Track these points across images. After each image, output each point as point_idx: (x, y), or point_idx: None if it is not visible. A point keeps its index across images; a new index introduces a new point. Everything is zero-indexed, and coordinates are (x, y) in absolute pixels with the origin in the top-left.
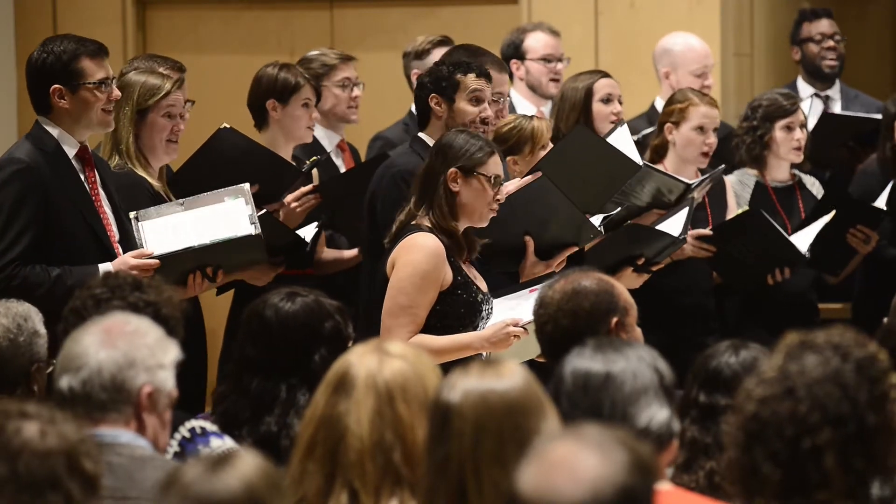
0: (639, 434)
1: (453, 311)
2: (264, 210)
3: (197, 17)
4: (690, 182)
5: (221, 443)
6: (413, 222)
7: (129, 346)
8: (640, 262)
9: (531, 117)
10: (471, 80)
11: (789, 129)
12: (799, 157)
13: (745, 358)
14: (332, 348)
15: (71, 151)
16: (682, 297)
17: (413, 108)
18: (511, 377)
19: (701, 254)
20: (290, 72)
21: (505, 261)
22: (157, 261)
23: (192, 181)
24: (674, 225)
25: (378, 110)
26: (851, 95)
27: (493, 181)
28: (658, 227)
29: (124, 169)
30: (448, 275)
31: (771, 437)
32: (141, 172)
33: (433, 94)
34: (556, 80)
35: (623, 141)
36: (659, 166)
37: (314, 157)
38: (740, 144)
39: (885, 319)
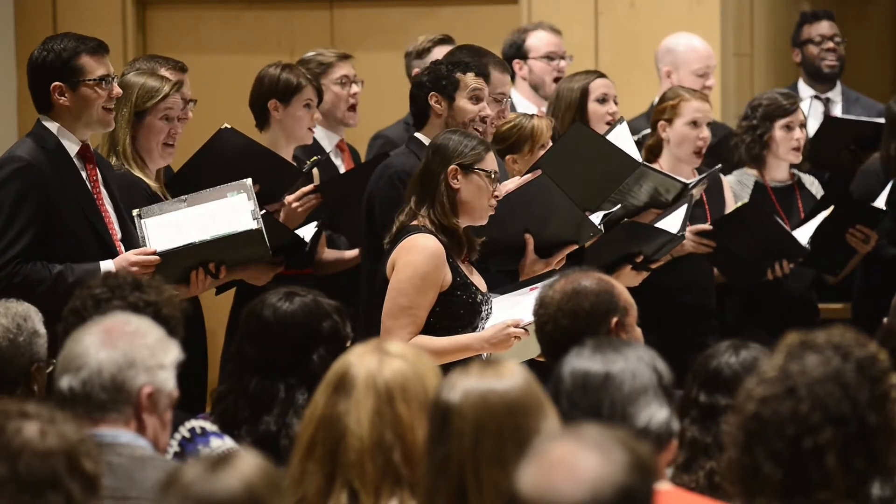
0: (638, 434)
1: (453, 311)
2: (264, 210)
3: (197, 17)
4: (688, 181)
5: (221, 443)
6: (413, 222)
7: (129, 346)
8: (639, 259)
9: (531, 116)
10: (470, 79)
11: (789, 128)
12: (798, 157)
13: (745, 358)
14: (330, 348)
15: (72, 149)
16: (683, 296)
17: None
18: (511, 377)
19: (701, 249)
20: (292, 72)
21: (504, 259)
22: (157, 257)
23: (193, 181)
24: (672, 222)
25: (378, 110)
26: (852, 98)
27: (492, 177)
28: (656, 225)
29: (121, 170)
30: (447, 276)
31: (772, 437)
32: (138, 173)
33: (433, 93)
34: (559, 79)
35: (622, 138)
36: (654, 166)
37: (315, 157)
38: (739, 144)
39: (885, 319)
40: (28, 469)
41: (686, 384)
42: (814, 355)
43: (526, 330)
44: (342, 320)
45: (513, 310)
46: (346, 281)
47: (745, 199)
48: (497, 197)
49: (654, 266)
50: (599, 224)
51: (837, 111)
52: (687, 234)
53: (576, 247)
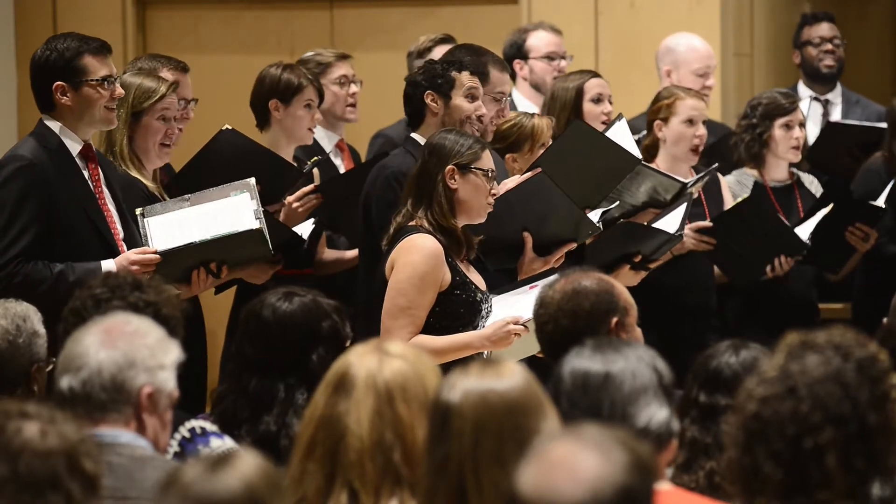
0: (638, 434)
1: (453, 311)
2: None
3: (197, 17)
4: (686, 180)
5: (221, 443)
6: (411, 223)
7: (129, 346)
8: (637, 259)
9: (532, 115)
10: (465, 78)
11: (788, 127)
12: (797, 157)
13: (745, 358)
14: (329, 348)
15: (75, 149)
16: (683, 295)
17: None
18: (511, 377)
19: (701, 247)
20: (293, 72)
21: (503, 257)
22: (158, 256)
23: (194, 182)
24: (671, 221)
25: (378, 110)
26: (853, 99)
27: (489, 175)
28: (655, 224)
29: (118, 170)
30: (447, 275)
31: (772, 437)
32: (135, 174)
33: (429, 92)
34: None
35: (622, 135)
36: (652, 165)
37: (315, 158)
38: (739, 142)
39: (885, 319)
40: (28, 469)
41: (686, 384)
42: (814, 355)
43: (526, 327)
44: (342, 320)
45: (512, 308)
46: (346, 281)
47: (745, 196)
48: (495, 195)
49: (652, 266)
50: (597, 222)
51: (837, 112)
52: (687, 231)
53: (574, 245)
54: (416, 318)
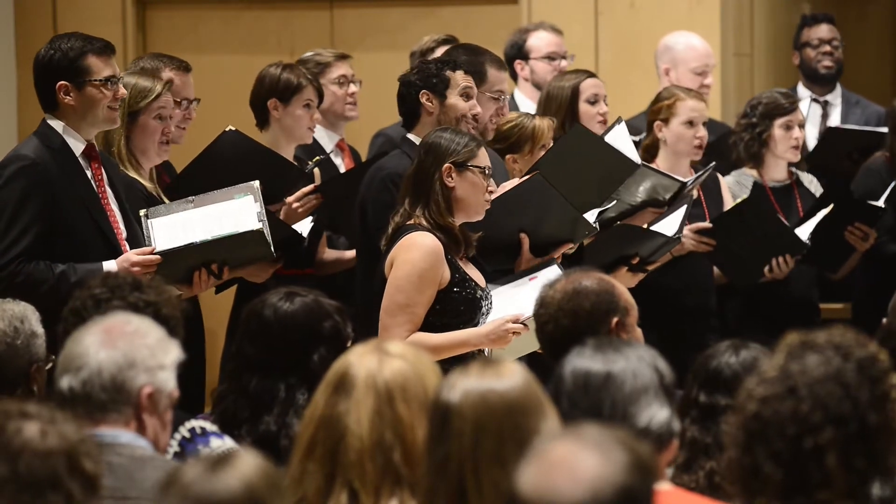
0: (639, 434)
1: (453, 308)
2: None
3: (197, 17)
4: (685, 180)
5: (221, 443)
6: (409, 222)
7: (129, 346)
8: (635, 261)
9: (533, 116)
10: (460, 77)
11: (788, 127)
12: (796, 157)
13: (745, 358)
14: (331, 348)
15: (78, 148)
16: (683, 297)
17: None
18: (511, 377)
19: (701, 248)
20: (292, 72)
21: (500, 258)
22: (158, 257)
23: (197, 182)
24: (670, 224)
25: (378, 110)
26: (852, 100)
27: (485, 172)
28: (654, 227)
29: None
30: (446, 273)
31: (772, 437)
32: (132, 174)
33: (424, 91)
34: None
35: (621, 138)
36: (652, 165)
37: (317, 158)
38: (738, 141)
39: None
40: (28, 469)
41: (686, 384)
42: (814, 355)
43: (525, 325)
44: (343, 321)
45: (512, 304)
46: (346, 281)
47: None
48: (492, 192)
49: (650, 267)
50: (594, 222)
51: (836, 114)
52: (687, 232)
53: (571, 245)
54: (415, 315)
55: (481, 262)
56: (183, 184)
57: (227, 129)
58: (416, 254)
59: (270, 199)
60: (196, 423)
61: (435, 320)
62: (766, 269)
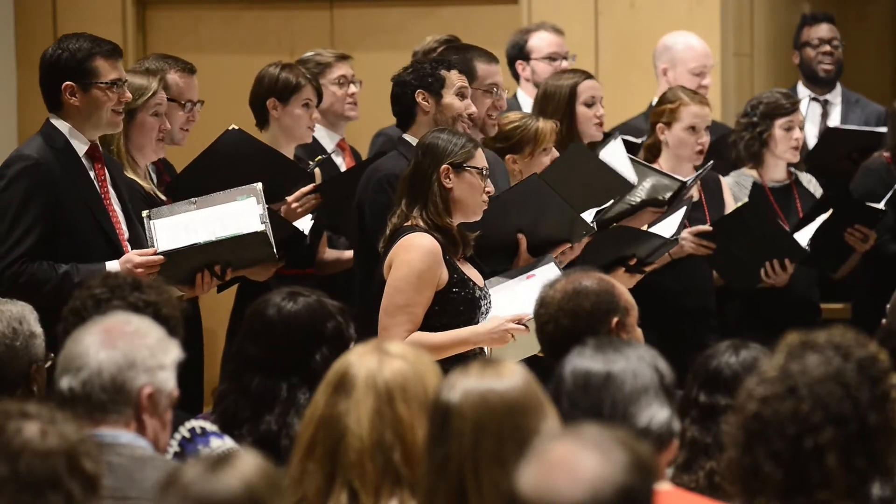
0: (639, 434)
1: (452, 308)
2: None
3: (197, 17)
4: (685, 179)
5: (221, 443)
6: (406, 223)
7: (129, 346)
8: (633, 262)
9: (537, 118)
10: (455, 76)
11: (789, 128)
12: (796, 157)
13: (745, 358)
14: (333, 348)
15: (81, 149)
16: (682, 299)
17: None
18: (511, 377)
19: (701, 251)
20: (291, 72)
21: (498, 259)
22: (161, 257)
23: (199, 181)
24: (668, 226)
25: (378, 110)
26: (852, 100)
27: (483, 173)
28: (653, 228)
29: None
30: (444, 273)
31: (773, 437)
32: (130, 174)
33: (420, 91)
34: None
35: (617, 155)
36: (654, 165)
37: (319, 157)
38: (738, 141)
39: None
40: (28, 469)
41: (686, 384)
42: (814, 355)
43: (526, 326)
44: (346, 321)
45: (512, 301)
46: (346, 281)
47: (745, 200)
48: (489, 193)
49: (647, 269)
50: (592, 222)
51: (836, 113)
52: (687, 235)
53: (569, 245)
54: (414, 315)
55: (478, 262)
56: (185, 182)
57: (229, 128)
58: (414, 255)
59: (272, 197)
60: (196, 423)
61: (434, 321)
62: (763, 273)
